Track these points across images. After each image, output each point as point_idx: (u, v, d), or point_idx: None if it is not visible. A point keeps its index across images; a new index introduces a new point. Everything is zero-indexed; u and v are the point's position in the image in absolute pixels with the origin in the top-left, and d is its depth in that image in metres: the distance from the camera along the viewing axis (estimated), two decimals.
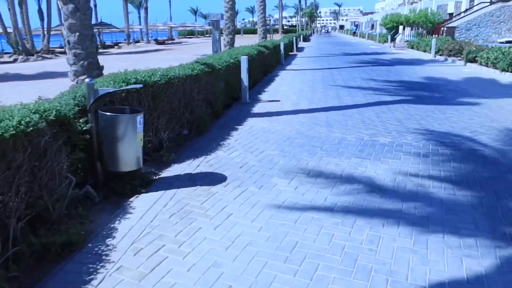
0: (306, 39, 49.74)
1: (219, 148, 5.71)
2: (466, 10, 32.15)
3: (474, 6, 31.69)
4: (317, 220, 3.54)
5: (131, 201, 3.99)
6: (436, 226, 3.41)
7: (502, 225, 3.43)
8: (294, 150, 5.54)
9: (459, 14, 33.03)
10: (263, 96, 10.15)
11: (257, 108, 8.59)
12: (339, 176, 4.59)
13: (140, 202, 3.97)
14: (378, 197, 4.01)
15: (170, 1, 77.98)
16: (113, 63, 15.45)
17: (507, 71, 13.23)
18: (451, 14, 37.25)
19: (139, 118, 4.11)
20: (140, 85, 4.46)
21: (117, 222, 3.55)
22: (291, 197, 4.03)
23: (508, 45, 20.39)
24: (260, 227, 3.45)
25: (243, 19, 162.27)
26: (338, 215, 3.63)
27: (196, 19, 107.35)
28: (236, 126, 6.95)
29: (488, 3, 30.19)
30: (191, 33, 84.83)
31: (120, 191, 4.13)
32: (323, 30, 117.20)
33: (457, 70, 15.35)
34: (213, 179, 4.55)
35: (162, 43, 48.77)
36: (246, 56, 9.33)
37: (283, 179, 4.51)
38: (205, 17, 76.25)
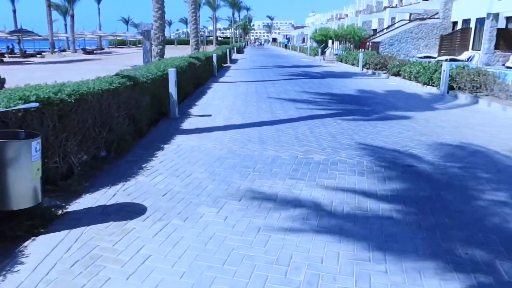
0: (240, 51, 50.00)
1: (140, 172, 5.08)
2: (388, 26, 34.28)
3: (396, 23, 33.88)
4: (248, 259, 3.10)
5: (25, 246, 3.26)
6: (377, 253, 3.15)
7: (442, 251, 3.26)
8: (224, 172, 5.09)
9: (382, 30, 35.14)
10: (194, 110, 9.62)
11: (186, 124, 8.04)
12: (273, 200, 4.21)
13: (37, 247, 3.25)
14: (315, 225, 3.68)
15: (99, 9, 74.53)
16: (31, 74, 14.02)
17: (428, 84, 14.01)
18: (375, 30, 39.58)
19: (35, 144, 3.41)
20: (36, 104, 3.74)
21: (0, 278, 2.82)
22: (220, 230, 3.56)
23: (426, 60, 21.87)
24: (182, 272, 2.92)
25: (177, 30, 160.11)
26: (272, 251, 3.22)
27: (128, 29, 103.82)
28: (162, 145, 6.34)
29: (407, 21, 32.44)
30: (122, 43, 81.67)
31: (11, 235, 3.37)
32: (256, 43, 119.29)
33: (383, 83, 16.03)
34: (131, 211, 3.93)
35: (91, 52, 46.07)
36: (175, 69, 8.76)
37: (211, 207, 4.03)
38: (136, 26, 73.73)
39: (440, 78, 12.94)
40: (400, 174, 5.11)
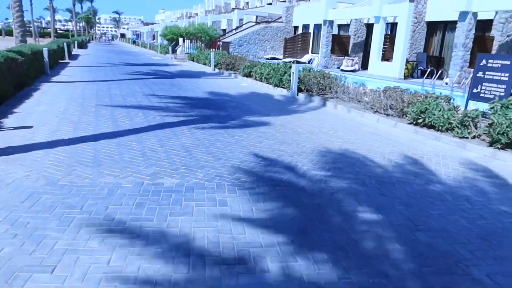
0: (82, 45, 44.89)
1: None
2: (237, 27, 34.99)
3: (244, 24, 34.78)
4: None
5: None
6: None
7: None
8: (35, 220, 3.58)
9: (231, 30, 35.71)
10: (9, 121, 7.44)
11: None
12: (99, 277, 2.96)
13: None
14: None
15: None
16: None
17: (279, 86, 14.22)
18: (224, 30, 40.11)
19: None
20: None
21: None
22: None
23: (273, 61, 22.74)
24: None
25: (6, 19, 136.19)
26: None
27: None
28: None
29: (254, 23, 33.60)
30: None
31: None
32: (103, 38, 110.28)
33: (236, 84, 15.76)
34: None
35: None
36: None
37: None
38: None
39: (289, 80, 13.19)
40: (269, 197, 4.41)
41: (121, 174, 4.83)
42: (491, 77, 8.29)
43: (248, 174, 5.11)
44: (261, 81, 15.75)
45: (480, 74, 8.49)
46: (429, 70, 16.72)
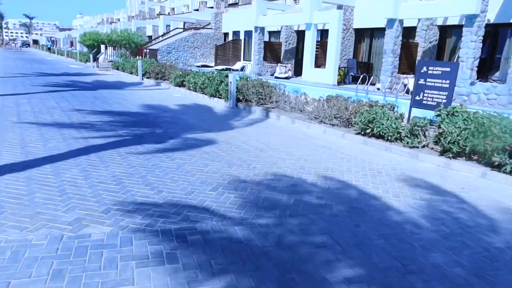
0: None
1: None
2: (164, 34, 33.49)
3: (171, 31, 33.39)
4: None
5: None
6: None
7: None
8: None
9: (158, 37, 34.09)
10: None
11: None
12: None
13: None
14: None
15: None
16: None
17: (215, 96, 13.39)
18: (150, 37, 38.26)
19: None
20: None
21: None
22: None
23: (205, 69, 21.87)
24: None
25: None
26: None
27: None
28: None
29: (182, 30, 32.40)
30: None
31: None
32: (13, 44, 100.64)
33: (168, 95, 14.64)
34: None
35: None
36: None
37: None
38: None
39: (227, 90, 12.43)
40: (233, 251, 3.57)
41: (31, 225, 3.69)
42: (432, 84, 8.26)
43: (198, 210, 4.23)
44: (196, 91, 14.79)
45: (421, 81, 8.44)
46: (362, 76, 16.98)
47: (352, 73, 20.14)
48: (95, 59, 29.73)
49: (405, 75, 15.96)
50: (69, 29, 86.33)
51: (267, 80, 12.64)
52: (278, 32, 25.02)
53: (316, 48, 19.91)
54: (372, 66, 20.04)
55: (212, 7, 37.97)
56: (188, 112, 10.77)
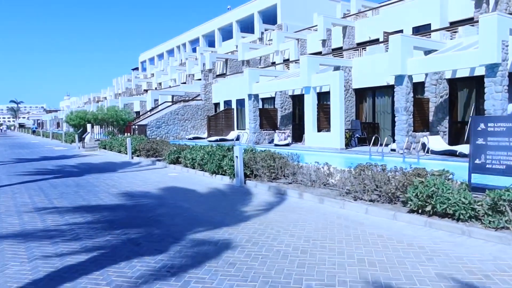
0: None
1: None
2: (153, 108, 32.56)
3: (160, 105, 32.51)
4: None
5: None
6: None
7: None
8: None
9: (146, 112, 33.11)
10: None
11: None
12: None
13: None
14: None
15: None
16: None
17: (218, 173, 11.65)
18: (138, 113, 37.35)
19: None
20: None
21: None
22: None
23: (196, 141, 20.45)
24: None
25: None
26: None
27: None
28: None
29: (171, 103, 31.54)
30: None
31: None
32: None
33: (163, 175, 12.85)
34: None
35: None
36: None
37: None
38: None
39: (232, 166, 10.74)
40: None
41: None
42: (496, 143, 6.70)
43: None
44: (194, 168, 13.07)
45: (480, 141, 6.89)
46: (374, 137, 15.61)
47: (357, 135, 18.88)
48: (81, 139, 28.20)
49: (422, 133, 14.64)
50: (56, 111, 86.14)
51: (276, 152, 11.04)
52: (272, 98, 24.12)
53: (317, 111, 18.78)
54: (378, 126, 18.85)
55: (199, 79, 37.67)
56: (190, 198, 8.92)
